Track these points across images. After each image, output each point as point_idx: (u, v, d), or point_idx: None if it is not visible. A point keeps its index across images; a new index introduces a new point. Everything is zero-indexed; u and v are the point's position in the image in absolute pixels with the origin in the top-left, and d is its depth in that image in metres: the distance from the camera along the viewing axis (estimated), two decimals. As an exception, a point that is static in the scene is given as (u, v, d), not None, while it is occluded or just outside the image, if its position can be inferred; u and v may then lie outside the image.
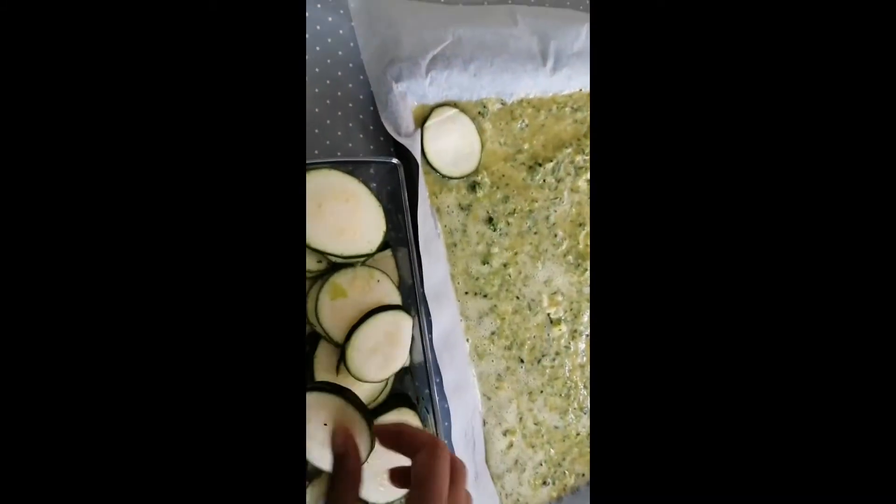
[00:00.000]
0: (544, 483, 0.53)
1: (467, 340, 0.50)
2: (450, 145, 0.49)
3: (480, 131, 0.51)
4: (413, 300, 0.44)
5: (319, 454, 0.34)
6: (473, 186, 0.51)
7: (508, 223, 0.52)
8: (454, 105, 0.50)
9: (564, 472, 0.54)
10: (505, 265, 0.52)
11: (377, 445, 0.33)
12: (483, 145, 0.51)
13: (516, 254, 0.52)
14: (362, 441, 0.33)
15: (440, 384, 0.48)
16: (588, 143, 0.55)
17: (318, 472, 0.44)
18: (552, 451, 0.53)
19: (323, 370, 0.42)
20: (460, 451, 0.48)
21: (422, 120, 0.48)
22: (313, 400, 0.34)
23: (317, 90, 0.47)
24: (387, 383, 0.45)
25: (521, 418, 0.52)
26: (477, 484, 0.49)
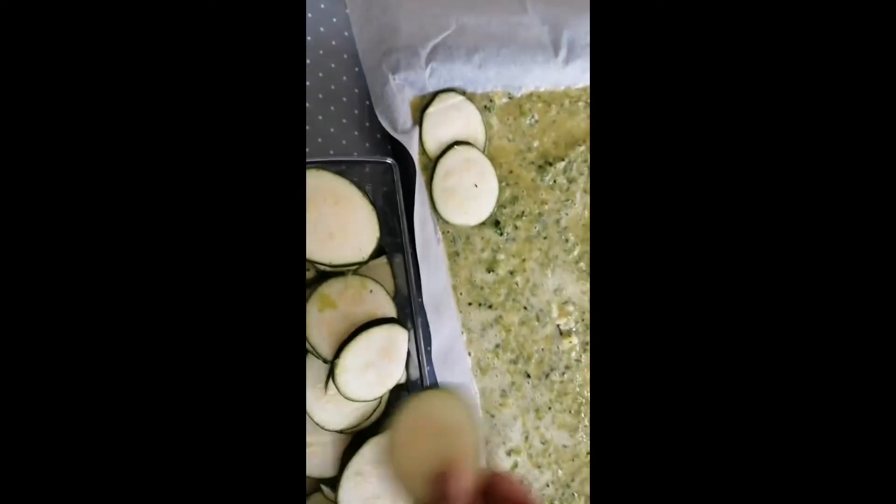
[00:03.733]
0: (551, 505, 0.49)
1: (469, 354, 0.46)
2: (451, 136, 0.45)
3: (486, 126, 0.47)
4: (409, 311, 0.41)
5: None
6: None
7: (516, 227, 0.48)
8: (462, 93, 0.46)
9: (574, 494, 0.50)
10: (512, 273, 0.48)
11: None
12: (489, 141, 0.48)
13: (524, 260, 0.48)
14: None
15: (439, 400, 0.44)
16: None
17: (315, 489, 0.41)
18: (560, 471, 0.50)
19: (310, 388, 0.39)
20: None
21: (420, 112, 0.44)
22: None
23: (308, 83, 0.44)
24: (380, 401, 0.42)
25: (526, 437, 0.48)
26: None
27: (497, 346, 0.47)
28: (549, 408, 0.49)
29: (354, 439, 0.40)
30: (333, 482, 0.39)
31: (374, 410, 0.41)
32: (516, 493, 0.26)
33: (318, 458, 0.40)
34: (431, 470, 0.25)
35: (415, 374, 0.42)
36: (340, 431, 0.40)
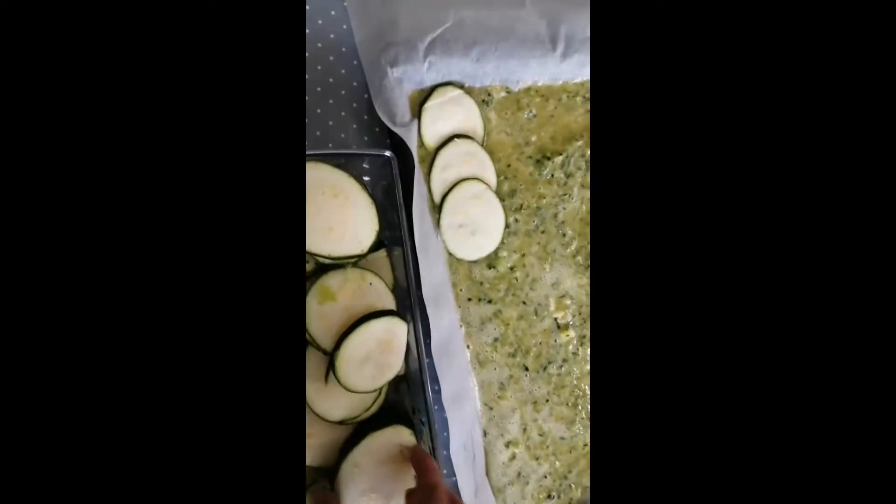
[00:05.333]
0: (549, 496, 0.50)
1: (468, 347, 0.47)
2: (450, 130, 0.45)
3: (485, 121, 0.47)
4: (409, 304, 0.41)
5: None
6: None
7: (516, 220, 0.49)
8: (460, 87, 0.46)
9: (571, 486, 0.51)
10: (512, 268, 0.48)
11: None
12: (488, 134, 0.48)
13: (524, 255, 0.49)
14: None
15: (438, 392, 0.45)
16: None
17: (314, 479, 0.42)
18: (557, 462, 0.50)
19: (310, 379, 0.39)
20: (459, 464, 0.45)
21: (419, 106, 0.44)
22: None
23: (307, 77, 0.44)
24: (380, 392, 0.42)
25: (524, 429, 0.49)
26: (477, 498, 0.46)
27: (496, 339, 0.48)
28: (547, 400, 0.50)
29: (355, 430, 0.41)
30: (332, 473, 0.39)
31: (374, 402, 0.41)
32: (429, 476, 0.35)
33: (319, 448, 0.40)
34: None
35: (414, 365, 0.42)
36: (341, 422, 0.40)
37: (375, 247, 0.40)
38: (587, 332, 0.50)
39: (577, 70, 0.50)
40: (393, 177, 0.41)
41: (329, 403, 0.39)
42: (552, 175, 0.50)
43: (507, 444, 0.48)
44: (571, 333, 0.50)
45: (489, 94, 0.48)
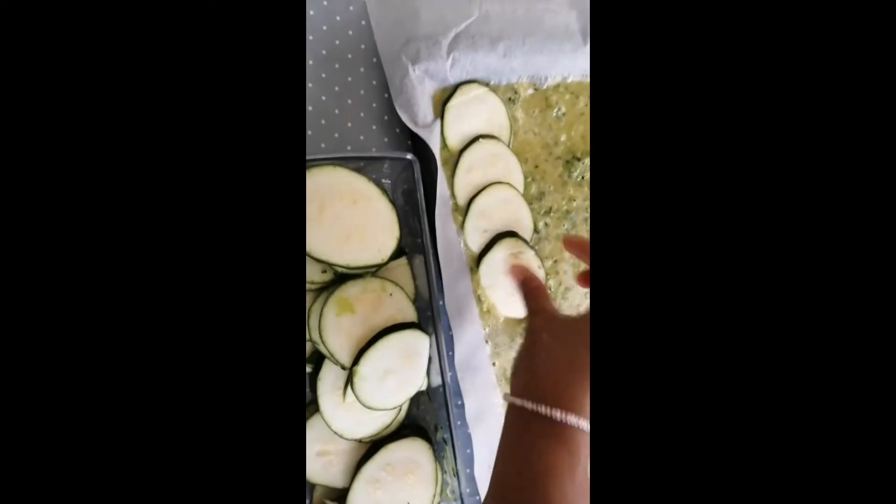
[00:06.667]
0: (579, 519, 0.47)
1: (493, 363, 0.44)
2: (475, 130, 0.43)
3: (511, 120, 0.45)
4: (430, 315, 0.39)
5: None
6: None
7: (546, 224, 0.46)
8: (486, 84, 0.43)
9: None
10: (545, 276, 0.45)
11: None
12: (514, 135, 0.45)
13: (556, 262, 0.46)
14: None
15: (461, 408, 0.42)
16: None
17: (333, 498, 0.40)
18: (589, 483, 0.47)
19: (327, 394, 0.37)
20: (484, 486, 0.43)
21: (442, 106, 0.42)
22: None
23: (324, 75, 0.42)
24: (400, 409, 0.40)
25: (553, 447, 0.46)
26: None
27: (522, 351, 0.45)
28: (577, 416, 0.47)
29: (371, 448, 0.39)
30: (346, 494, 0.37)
31: (394, 419, 0.39)
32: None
33: (336, 467, 0.38)
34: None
35: (436, 380, 0.40)
36: (359, 440, 0.38)
37: (396, 255, 0.38)
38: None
39: (610, 64, 0.47)
40: (414, 180, 0.38)
41: (347, 421, 0.37)
42: (583, 177, 0.47)
43: (535, 463, 0.45)
44: (603, 345, 0.47)
45: (515, 92, 0.45)
